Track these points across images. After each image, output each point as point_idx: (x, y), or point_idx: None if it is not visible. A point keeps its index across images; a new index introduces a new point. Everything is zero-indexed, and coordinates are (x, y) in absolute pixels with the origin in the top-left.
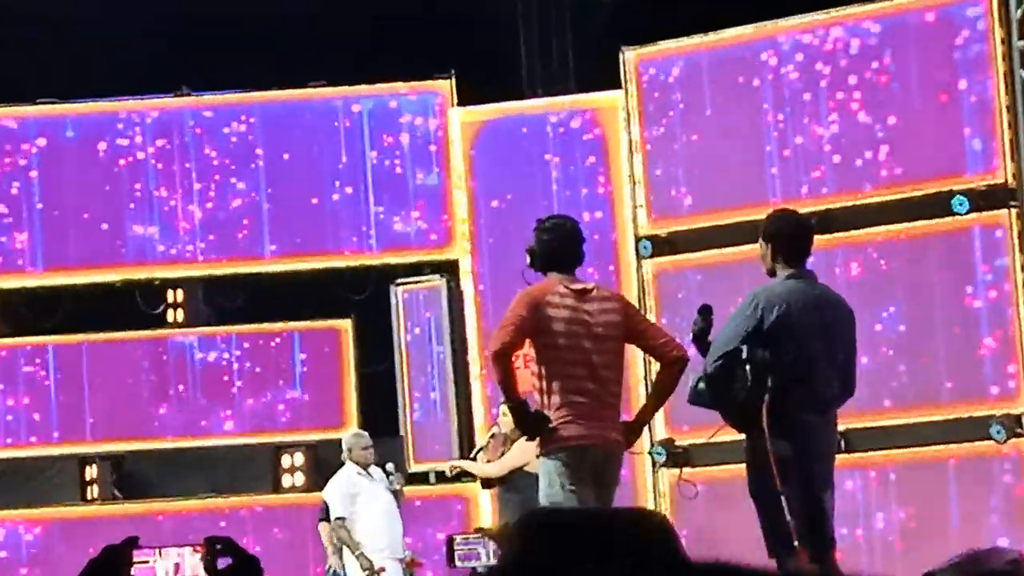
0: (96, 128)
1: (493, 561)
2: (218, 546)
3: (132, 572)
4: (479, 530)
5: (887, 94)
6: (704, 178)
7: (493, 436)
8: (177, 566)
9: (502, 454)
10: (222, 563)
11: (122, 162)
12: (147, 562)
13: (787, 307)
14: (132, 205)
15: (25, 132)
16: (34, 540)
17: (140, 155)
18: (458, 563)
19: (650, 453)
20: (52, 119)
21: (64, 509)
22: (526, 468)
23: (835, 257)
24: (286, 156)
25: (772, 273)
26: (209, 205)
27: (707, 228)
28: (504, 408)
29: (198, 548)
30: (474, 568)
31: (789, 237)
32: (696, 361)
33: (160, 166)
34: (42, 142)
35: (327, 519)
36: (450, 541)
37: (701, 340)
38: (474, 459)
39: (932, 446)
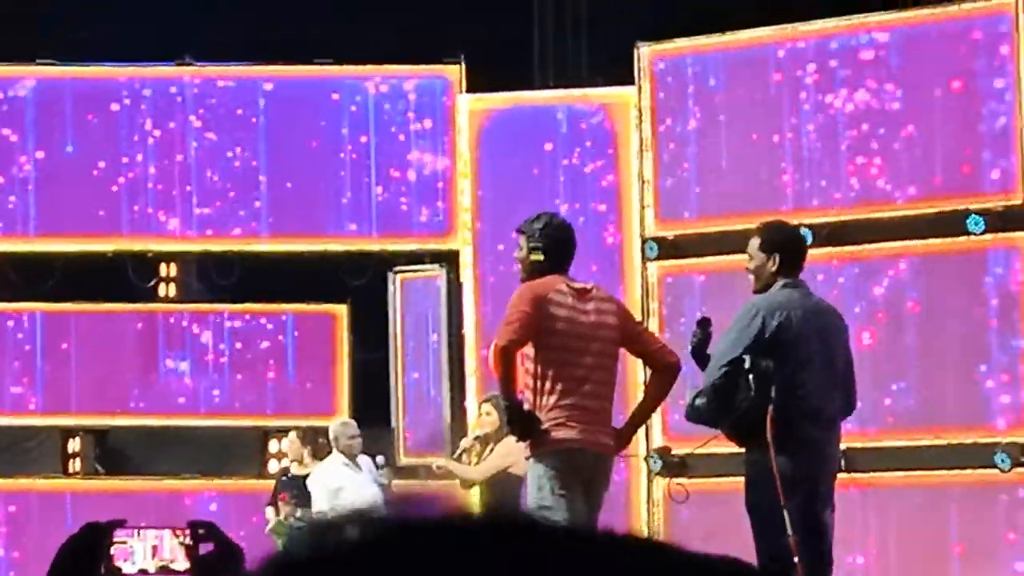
0: (95, 93)
1: None
2: (200, 531)
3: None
4: None
5: (905, 104)
6: (715, 181)
7: (477, 438)
8: (156, 548)
9: (479, 455)
10: (203, 549)
11: (120, 132)
12: (125, 542)
13: (787, 315)
14: (130, 175)
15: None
16: (11, 511)
17: (139, 126)
18: None
19: (646, 459)
20: (51, 82)
21: (44, 482)
22: (510, 470)
23: (846, 271)
24: (288, 135)
25: (766, 284)
26: (209, 178)
27: (715, 233)
28: (487, 408)
29: (178, 531)
30: None
31: (793, 249)
32: (693, 374)
33: (158, 135)
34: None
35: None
36: None
37: (700, 353)
38: (458, 460)
39: (935, 471)
